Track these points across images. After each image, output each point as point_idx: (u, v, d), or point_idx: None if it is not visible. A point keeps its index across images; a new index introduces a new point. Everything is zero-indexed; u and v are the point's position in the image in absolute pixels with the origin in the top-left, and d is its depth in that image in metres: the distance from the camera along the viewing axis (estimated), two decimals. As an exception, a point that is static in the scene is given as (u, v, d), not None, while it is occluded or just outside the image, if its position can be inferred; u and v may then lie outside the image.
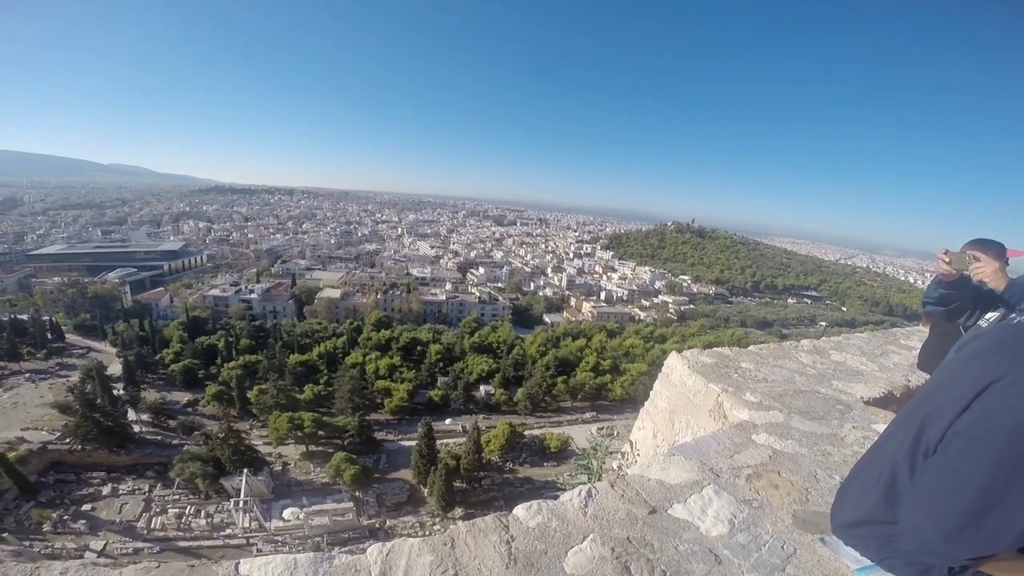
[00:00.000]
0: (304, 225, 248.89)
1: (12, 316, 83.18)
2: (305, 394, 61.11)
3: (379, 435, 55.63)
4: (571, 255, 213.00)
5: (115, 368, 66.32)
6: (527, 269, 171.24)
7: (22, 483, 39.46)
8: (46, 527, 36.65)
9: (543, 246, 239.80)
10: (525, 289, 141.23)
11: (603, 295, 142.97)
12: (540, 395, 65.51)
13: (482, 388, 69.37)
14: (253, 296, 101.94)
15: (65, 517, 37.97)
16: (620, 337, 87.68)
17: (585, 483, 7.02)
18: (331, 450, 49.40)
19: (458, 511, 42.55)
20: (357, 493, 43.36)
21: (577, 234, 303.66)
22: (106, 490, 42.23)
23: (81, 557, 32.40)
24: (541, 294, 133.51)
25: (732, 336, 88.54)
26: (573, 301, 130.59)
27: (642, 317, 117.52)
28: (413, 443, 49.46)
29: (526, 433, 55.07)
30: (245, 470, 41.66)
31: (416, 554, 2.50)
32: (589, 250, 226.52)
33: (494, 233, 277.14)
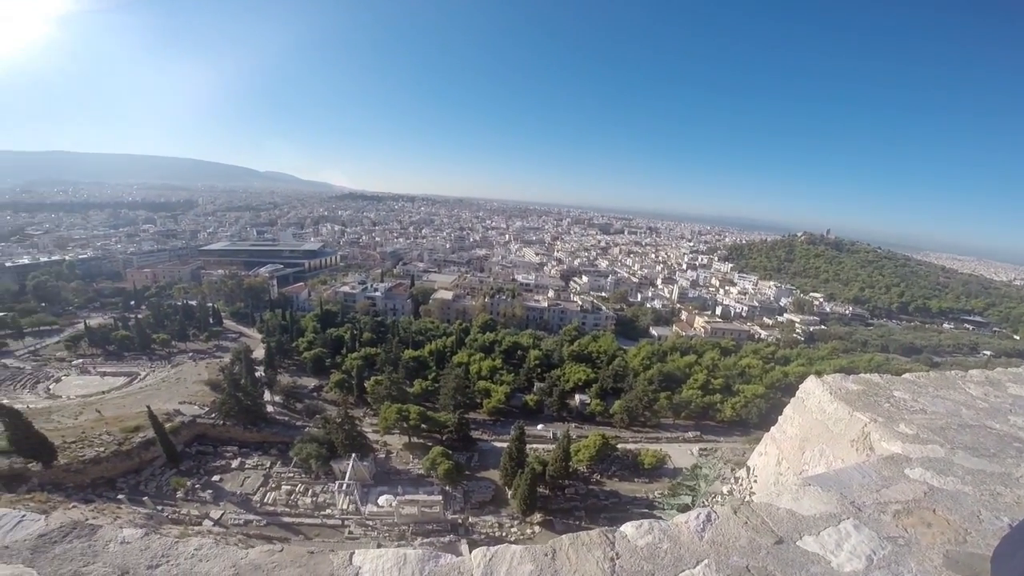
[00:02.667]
0: (423, 230, 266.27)
1: (184, 302, 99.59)
2: (414, 388, 65.08)
3: (475, 434, 57.46)
4: (684, 266, 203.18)
5: (259, 352, 76.15)
6: (634, 279, 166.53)
7: (171, 452, 45.21)
8: (179, 494, 41.41)
9: (653, 256, 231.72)
10: (631, 300, 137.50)
11: (719, 310, 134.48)
12: (639, 409, 63.47)
13: (577, 397, 68.85)
14: (377, 294, 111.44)
15: (197, 486, 42.73)
16: (735, 356, 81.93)
17: (688, 505, 6.67)
18: (430, 444, 52.08)
19: (537, 516, 42.54)
20: (447, 487, 44.96)
21: (691, 244, 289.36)
22: (235, 464, 47.38)
23: (199, 524, 36.68)
24: (649, 306, 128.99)
25: (870, 362, 78.46)
26: (684, 315, 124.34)
27: (763, 336, 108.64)
28: (505, 445, 50.35)
29: (619, 446, 53.76)
30: (353, 455, 44.99)
31: (516, 562, 2.50)
32: (705, 261, 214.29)
33: (599, 241, 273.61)
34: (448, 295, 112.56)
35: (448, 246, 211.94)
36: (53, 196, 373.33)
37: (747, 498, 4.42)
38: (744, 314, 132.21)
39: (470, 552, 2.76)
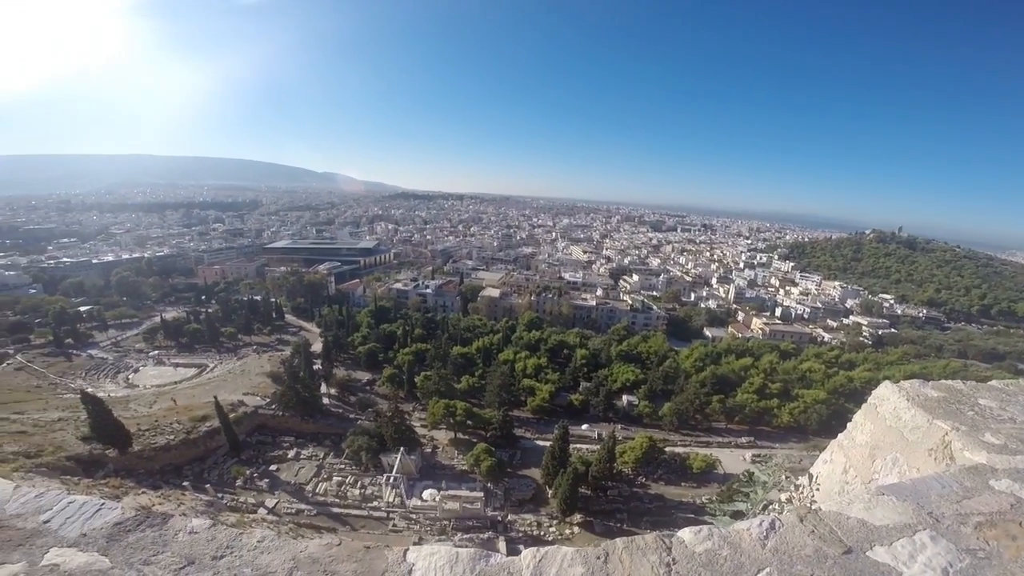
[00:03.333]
0: (472, 228, 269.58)
1: (249, 297, 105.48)
2: (461, 384, 66.12)
3: (518, 431, 57.73)
4: (741, 265, 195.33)
5: (317, 346, 79.56)
6: (687, 278, 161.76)
7: (233, 441, 47.67)
8: (239, 482, 43.49)
9: (707, 254, 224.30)
10: (684, 299, 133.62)
11: (778, 311, 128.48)
12: (690, 412, 61.92)
13: (624, 398, 67.79)
14: (428, 291, 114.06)
15: (255, 475, 44.90)
16: (796, 359, 78.23)
17: (741, 512, 6.50)
18: (475, 440, 52.82)
19: (577, 517, 42.20)
20: (489, 484, 45.42)
21: (749, 242, 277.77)
22: (291, 454, 49.56)
23: (255, 512, 38.31)
24: (703, 306, 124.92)
25: (945, 368, 72.93)
26: (741, 316, 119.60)
27: (826, 339, 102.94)
28: (548, 443, 50.30)
29: (667, 449, 52.64)
30: (402, 449, 46.34)
31: (568, 564, 2.50)
32: (764, 260, 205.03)
33: (651, 239, 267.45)
34: (495, 293, 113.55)
35: (495, 244, 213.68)
36: (133, 197, 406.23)
37: (809, 506, 4.26)
38: (806, 316, 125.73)
39: (506, 550, 2.79)
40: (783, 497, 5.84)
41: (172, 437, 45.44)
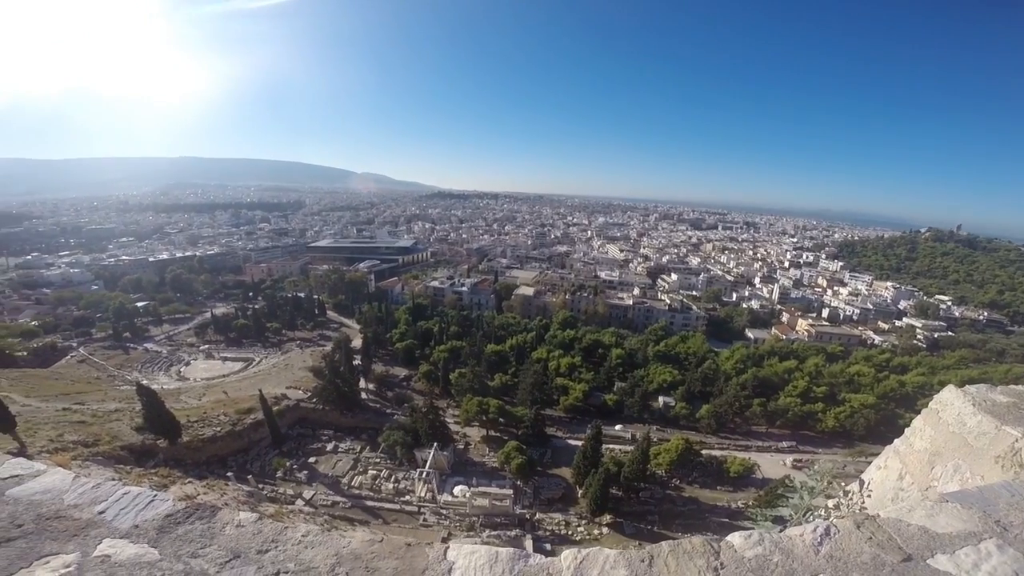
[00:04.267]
0: (506, 227, 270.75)
1: (293, 294, 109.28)
2: (495, 382, 66.58)
3: (550, 430, 57.63)
4: (786, 264, 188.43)
5: (357, 342, 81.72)
6: (729, 277, 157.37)
7: (276, 434, 49.10)
8: (279, 473, 44.59)
9: (750, 253, 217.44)
10: (725, 299, 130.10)
11: (825, 312, 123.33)
12: (729, 415, 60.44)
13: (661, 399, 66.70)
14: (463, 289, 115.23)
15: (294, 467, 46.02)
16: (843, 362, 75.13)
17: (783, 517, 6.31)
18: (507, 437, 53.03)
19: (606, 517, 41.70)
20: (518, 482, 45.45)
21: (795, 240, 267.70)
22: (329, 447, 50.72)
23: (292, 504, 39.12)
24: (745, 306, 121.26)
25: (1007, 374, 68.51)
26: (785, 316, 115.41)
27: (877, 341, 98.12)
28: (579, 443, 49.93)
29: (703, 452, 51.45)
30: (435, 444, 46.78)
31: (610, 566, 2.48)
32: (810, 259, 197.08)
33: (690, 237, 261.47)
34: (529, 291, 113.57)
35: (530, 243, 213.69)
36: (185, 198, 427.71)
37: (859, 512, 4.11)
38: (855, 317, 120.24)
39: (533, 548, 2.79)
40: (830, 503, 5.67)
41: (219, 429, 47.10)
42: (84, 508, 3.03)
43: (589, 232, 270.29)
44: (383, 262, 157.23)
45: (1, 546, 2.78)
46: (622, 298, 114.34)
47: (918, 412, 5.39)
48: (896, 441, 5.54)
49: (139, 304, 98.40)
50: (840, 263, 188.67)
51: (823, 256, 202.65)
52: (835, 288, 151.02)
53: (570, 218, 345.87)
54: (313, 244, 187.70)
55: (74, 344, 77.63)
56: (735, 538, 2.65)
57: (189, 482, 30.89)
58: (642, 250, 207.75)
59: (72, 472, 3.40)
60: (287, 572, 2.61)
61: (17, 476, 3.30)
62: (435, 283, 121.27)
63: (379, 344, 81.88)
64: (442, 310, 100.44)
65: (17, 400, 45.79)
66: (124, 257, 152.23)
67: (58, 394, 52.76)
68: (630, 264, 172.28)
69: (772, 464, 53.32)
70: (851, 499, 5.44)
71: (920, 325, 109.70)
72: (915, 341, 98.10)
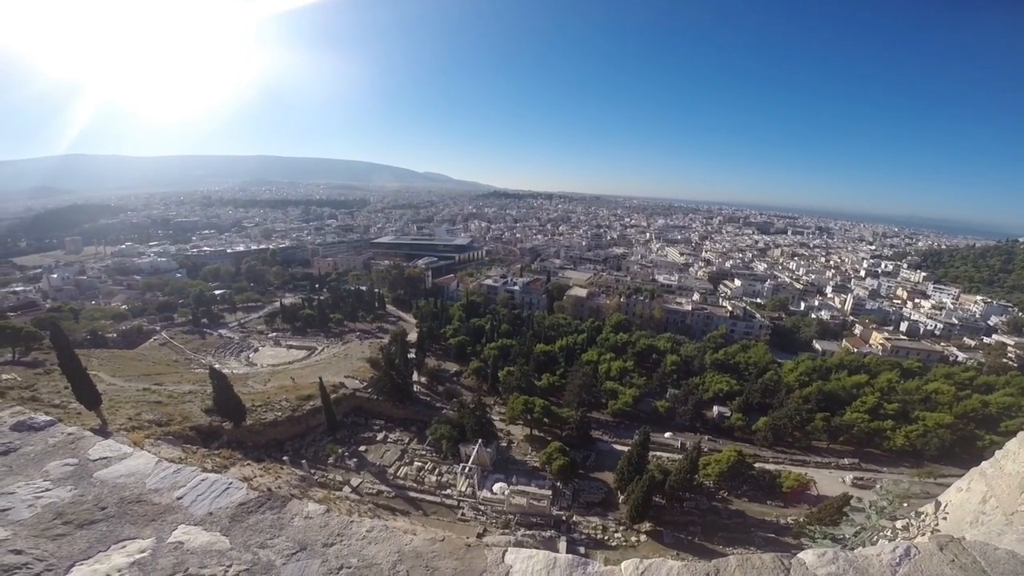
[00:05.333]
0: (560, 227, 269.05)
1: (356, 287, 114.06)
2: (542, 382, 66.49)
3: (595, 433, 56.90)
4: (862, 273, 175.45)
5: (413, 336, 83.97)
6: (798, 285, 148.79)
7: (332, 421, 50.79)
8: (330, 460, 46.03)
9: (822, 260, 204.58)
10: (792, 309, 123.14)
11: (903, 325, 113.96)
12: (788, 428, 57.53)
13: (716, 408, 64.44)
14: (516, 288, 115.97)
15: (345, 454, 47.52)
16: (920, 379, 69.63)
17: (843, 536, 6.13)
18: (550, 438, 52.78)
19: (646, 525, 40.74)
20: (558, 483, 45.17)
21: (873, 247, 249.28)
22: (379, 437, 52.23)
23: (340, 490, 40.15)
24: (814, 316, 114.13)
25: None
26: (858, 329, 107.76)
27: (960, 358, 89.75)
28: (625, 448, 49.08)
29: (756, 465, 49.30)
30: (479, 440, 47.45)
31: None
32: (889, 268, 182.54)
33: (756, 242, 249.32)
34: (582, 292, 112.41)
35: (584, 244, 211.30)
36: (261, 194, 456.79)
37: (932, 533, 4.02)
38: (937, 332, 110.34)
39: (566, 550, 2.88)
40: (898, 524, 5.48)
41: (279, 414, 49.35)
42: (164, 493, 3.16)
43: (647, 234, 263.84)
44: (440, 259, 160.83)
45: (83, 528, 2.89)
46: (680, 303, 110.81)
47: (1001, 434, 5.08)
48: (984, 463, 5.29)
49: (216, 292, 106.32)
50: (923, 273, 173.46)
51: (904, 265, 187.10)
52: (915, 300, 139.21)
53: (627, 220, 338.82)
54: (376, 240, 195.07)
55: (157, 328, 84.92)
56: (807, 556, 2.60)
57: (248, 464, 32.39)
58: (704, 254, 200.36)
59: (155, 456, 3.57)
60: (350, 567, 2.65)
61: (106, 458, 3.47)
62: (488, 281, 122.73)
63: (433, 339, 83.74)
64: (494, 308, 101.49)
65: (104, 379, 49.90)
66: (205, 248, 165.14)
67: (140, 375, 57.38)
68: (690, 268, 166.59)
69: (830, 481, 50.75)
70: (924, 520, 5.25)
71: (1012, 343, 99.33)
72: (1005, 359, 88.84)
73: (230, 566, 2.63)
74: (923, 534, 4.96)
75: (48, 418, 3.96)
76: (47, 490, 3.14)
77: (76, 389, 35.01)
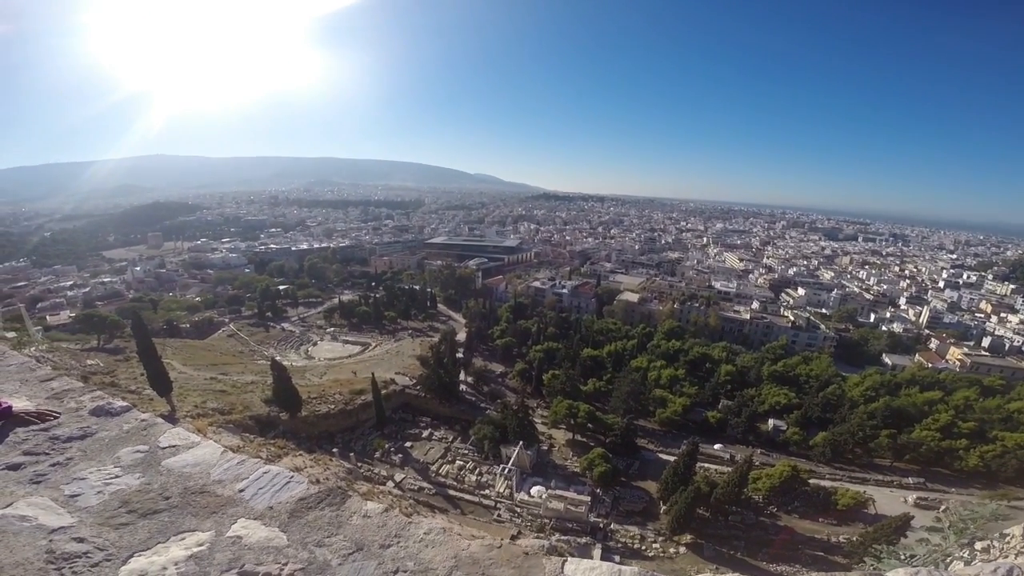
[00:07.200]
0: (612, 230, 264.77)
1: (409, 286, 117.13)
2: (587, 387, 65.59)
3: (641, 442, 55.49)
4: (941, 284, 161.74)
5: (462, 335, 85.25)
6: (868, 296, 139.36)
7: (381, 415, 51.98)
8: (377, 454, 46.98)
9: (896, 269, 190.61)
10: (861, 320, 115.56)
11: (986, 341, 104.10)
12: (849, 444, 54.48)
13: (771, 421, 61.56)
14: (564, 291, 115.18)
15: (391, 449, 48.42)
16: (1002, 397, 64.23)
17: (913, 556, 5.64)
18: (592, 444, 52.00)
19: (686, 537, 39.34)
20: (598, 490, 44.33)
21: (954, 256, 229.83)
22: (425, 434, 53.04)
23: (383, 485, 40.65)
24: (884, 329, 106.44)
25: None
26: (934, 343, 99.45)
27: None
28: (671, 458, 47.65)
29: (810, 481, 46.73)
30: (520, 442, 47.31)
31: None
32: (972, 279, 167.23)
33: (823, 248, 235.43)
34: (634, 297, 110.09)
35: (637, 247, 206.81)
36: (324, 195, 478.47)
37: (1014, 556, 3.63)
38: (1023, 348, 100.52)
39: (601, 558, 2.69)
40: (978, 546, 5.21)
41: (332, 407, 50.94)
42: (227, 484, 3.15)
43: (704, 239, 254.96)
44: (490, 260, 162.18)
45: (146, 518, 2.88)
46: (738, 311, 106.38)
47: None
48: (1076, 488, 4.73)
49: (280, 287, 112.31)
50: (1012, 286, 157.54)
51: (990, 276, 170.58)
52: (1002, 314, 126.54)
53: (683, 223, 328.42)
54: (429, 241, 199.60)
55: (226, 320, 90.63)
56: (898, 574, 2.48)
57: (299, 454, 33.24)
58: (765, 260, 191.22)
59: (220, 447, 3.58)
60: (406, 571, 2.61)
61: (174, 447, 3.52)
62: (537, 283, 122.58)
63: (481, 339, 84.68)
64: (541, 310, 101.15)
65: (176, 367, 53.12)
66: (272, 245, 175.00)
67: (208, 364, 61.02)
68: (750, 275, 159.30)
69: (890, 500, 47.76)
70: (1009, 542, 4.92)
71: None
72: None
73: (286, 564, 2.59)
74: (1006, 557, 4.63)
75: (124, 404, 4.10)
76: (116, 477, 3.21)
77: (150, 376, 37.62)
